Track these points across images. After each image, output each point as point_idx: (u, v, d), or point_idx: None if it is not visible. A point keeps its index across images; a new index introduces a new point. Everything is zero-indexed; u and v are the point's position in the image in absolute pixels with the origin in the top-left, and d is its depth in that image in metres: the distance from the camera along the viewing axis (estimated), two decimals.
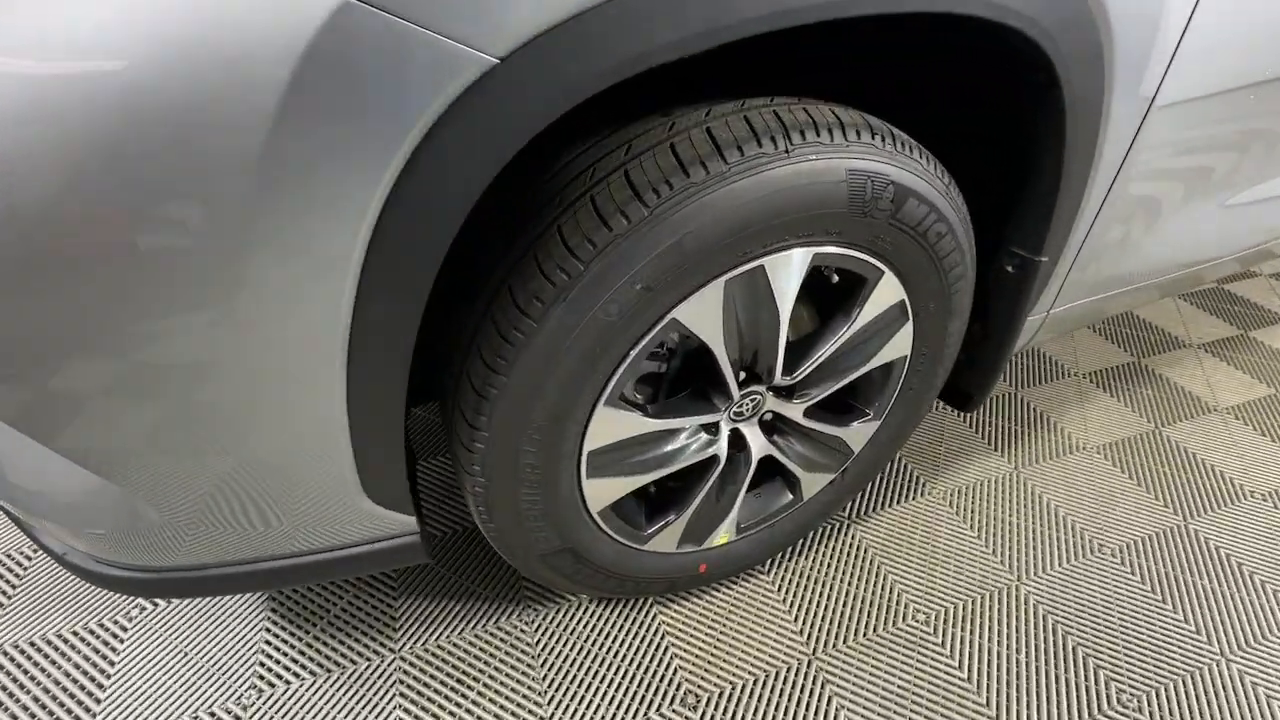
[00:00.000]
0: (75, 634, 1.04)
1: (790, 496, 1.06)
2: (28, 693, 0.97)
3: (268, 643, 1.04)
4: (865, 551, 1.20)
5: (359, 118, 0.44)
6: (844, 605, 1.10)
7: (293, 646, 1.04)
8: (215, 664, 1.01)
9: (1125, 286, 1.15)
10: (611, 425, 0.76)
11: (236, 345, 0.52)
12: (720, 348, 0.76)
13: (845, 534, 1.23)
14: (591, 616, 1.08)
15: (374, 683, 0.99)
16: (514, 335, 0.65)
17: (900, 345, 0.92)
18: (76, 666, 1.00)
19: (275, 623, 1.07)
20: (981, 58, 0.77)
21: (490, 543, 0.85)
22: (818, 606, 1.10)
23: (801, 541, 1.21)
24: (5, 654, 1.01)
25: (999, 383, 1.22)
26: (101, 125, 0.41)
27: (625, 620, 1.08)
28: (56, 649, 1.02)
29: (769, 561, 1.17)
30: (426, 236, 0.51)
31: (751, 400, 0.89)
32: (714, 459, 0.90)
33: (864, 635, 1.06)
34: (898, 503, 1.30)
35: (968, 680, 1.01)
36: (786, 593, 1.13)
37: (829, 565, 1.17)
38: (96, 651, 1.02)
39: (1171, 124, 0.85)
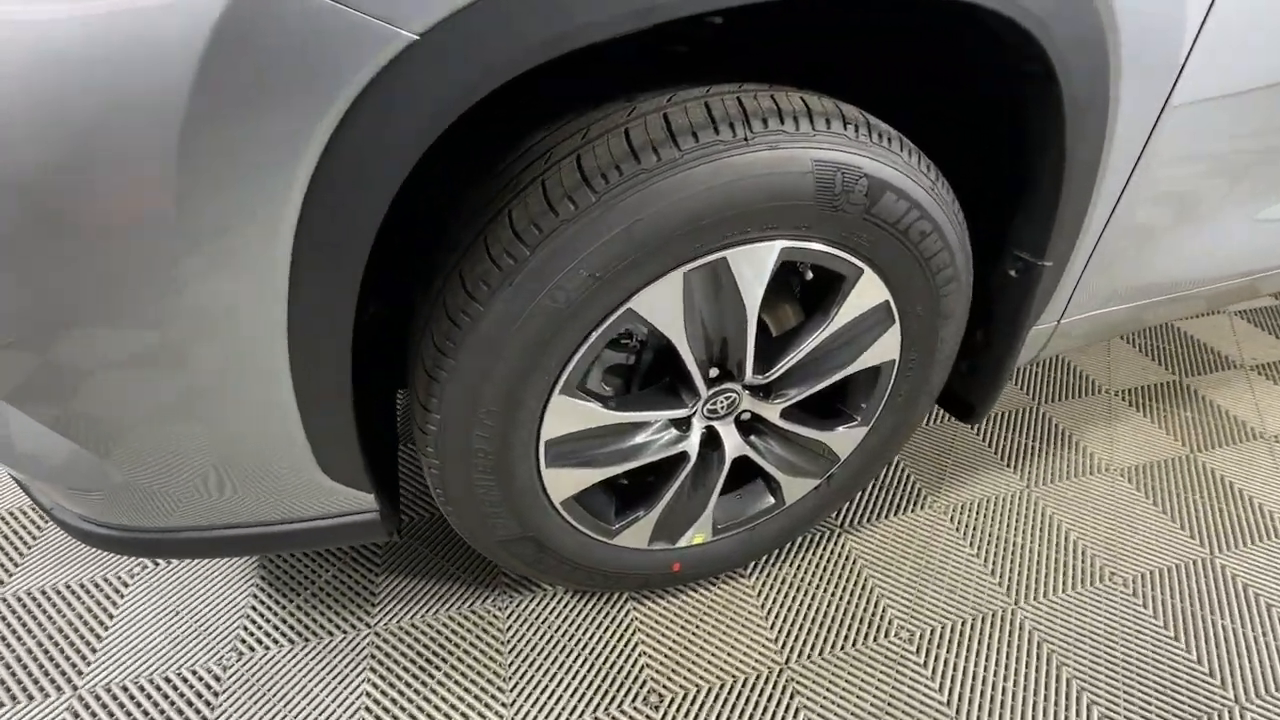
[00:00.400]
0: (81, 585, 1.11)
1: (771, 500, 1.03)
2: (33, 637, 1.03)
3: (253, 607, 1.08)
4: (853, 562, 1.16)
5: (274, 98, 0.44)
6: (824, 616, 1.07)
7: (275, 613, 1.07)
8: (204, 624, 1.05)
9: (1152, 298, 1.07)
10: (569, 415, 0.75)
11: (176, 321, 0.54)
12: (682, 342, 0.74)
13: (834, 542, 1.19)
14: (564, 607, 1.08)
15: (346, 655, 1.01)
16: (461, 319, 0.65)
17: (887, 348, 0.88)
18: (79, 616, 1.06)
19: (262, 588, 1.11)
20: (977, 47, 0.72)
21: (452, 526, 0.85)
22: (796, 615, 1.07)
23: (787, 547, 1.17)
24: (19, 599, 1.08)
25: (1002, 394, 1.15)
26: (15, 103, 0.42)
27: (598, 614, 1.07)
28: (64, 598, 1.09)
29: (751, 565, 1.14)
30: (355, 216, 0.51)
31: (726, 398, 0.87)
32: (683, 456, 0.88)
33: (842, 649, 1.02)
34: (894, 514, 1.25)
35: (946, 705, 0.96)
36: (765, 599, 1.10)
37: (813, 573, 1.13)
38: (99, 604, 1.08)
39: (1194, 123, 0.78)
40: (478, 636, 1.04)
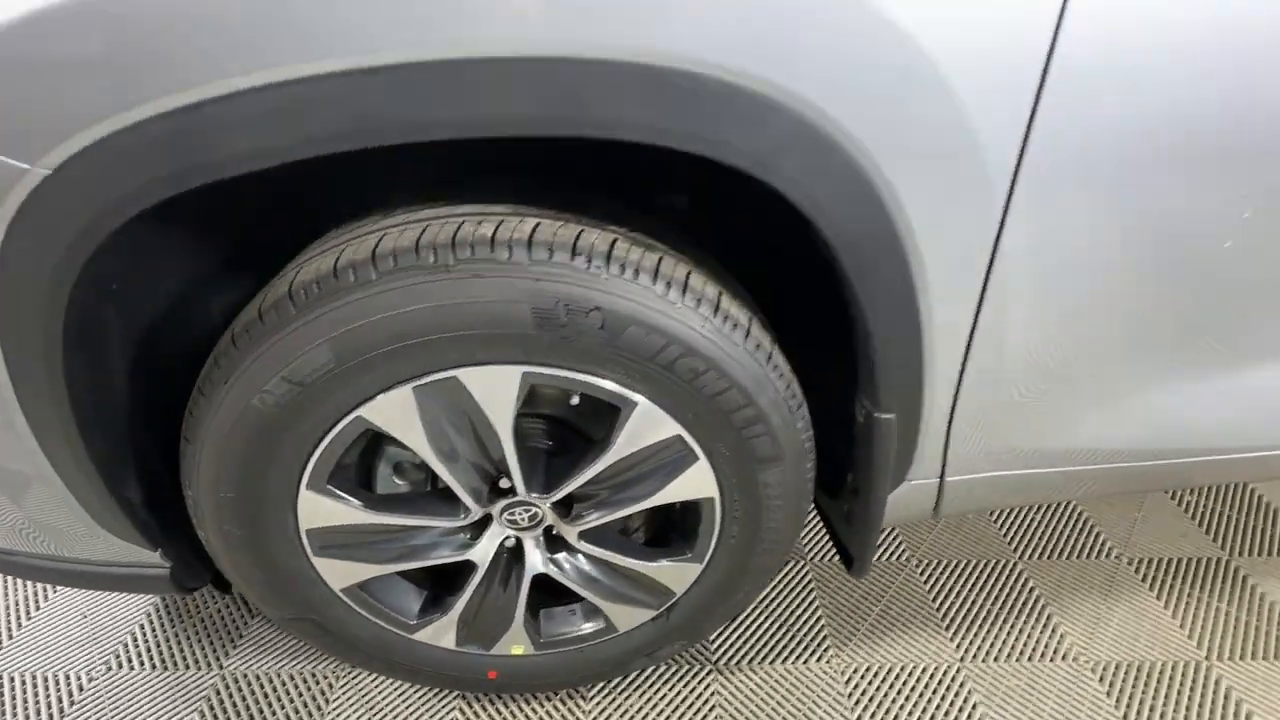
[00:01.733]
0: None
1: (602, 623, 0.95)
2: None
3: (141, 625, 1.18)
4: (711, 710, 1.02)
5: None
6: None
7: (156, 633, 1.16)
8: (99, 631, 1.16)
9: (1088, 464, 0.87)
10: (321, 511, 0.76)
11: None
12: (428, 453, 0.72)
13: (699, 680, 1.06)
14: (394, 690, 1.05)
15: (186, 692, 1.07)
16: (195, 409, 0.68)
17: (698, 485, 0.79)
18: (17, 602, 1.21)
19: (158, 607, 1.21)
20: None
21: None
22: None
23: (645, 674, 1.07)
24: None
25: (874, 548, 0.96)
26: None
27: (422, 704, 1.03)
28: (12, 581, 1.25)
29: (595, 688, 1.05)
30: (32, 319, 0.57)
31: (526, 510, 0.83)
32: (470, 564, 0.85)
33: None
34: (783, 660, 1.09)
35: None
36: None
37: (661, 713, 1.02)
38: (31, 599, 1.23)
39: (1065, 248, 0.64)
40: (305, 701, 1.05)
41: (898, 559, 1.29)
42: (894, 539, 1.33)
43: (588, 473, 0.77)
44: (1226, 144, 0.61)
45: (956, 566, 1.27)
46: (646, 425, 0.73)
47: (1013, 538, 1.33)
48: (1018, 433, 0.81)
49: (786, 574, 1.25)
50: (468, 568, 0.86)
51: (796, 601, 1.20)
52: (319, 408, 0.67)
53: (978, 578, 1.25)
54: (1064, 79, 0.55)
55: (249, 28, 0.46)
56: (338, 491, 0.75)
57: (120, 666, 1.11)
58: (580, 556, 0.88)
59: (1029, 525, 1.36)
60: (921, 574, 1.26)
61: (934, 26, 0.51)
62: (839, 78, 0.52)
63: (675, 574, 0.89)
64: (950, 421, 0.77)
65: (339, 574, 0.83)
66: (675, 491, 0.80)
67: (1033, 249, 0.63)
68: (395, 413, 0.69)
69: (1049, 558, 1.29)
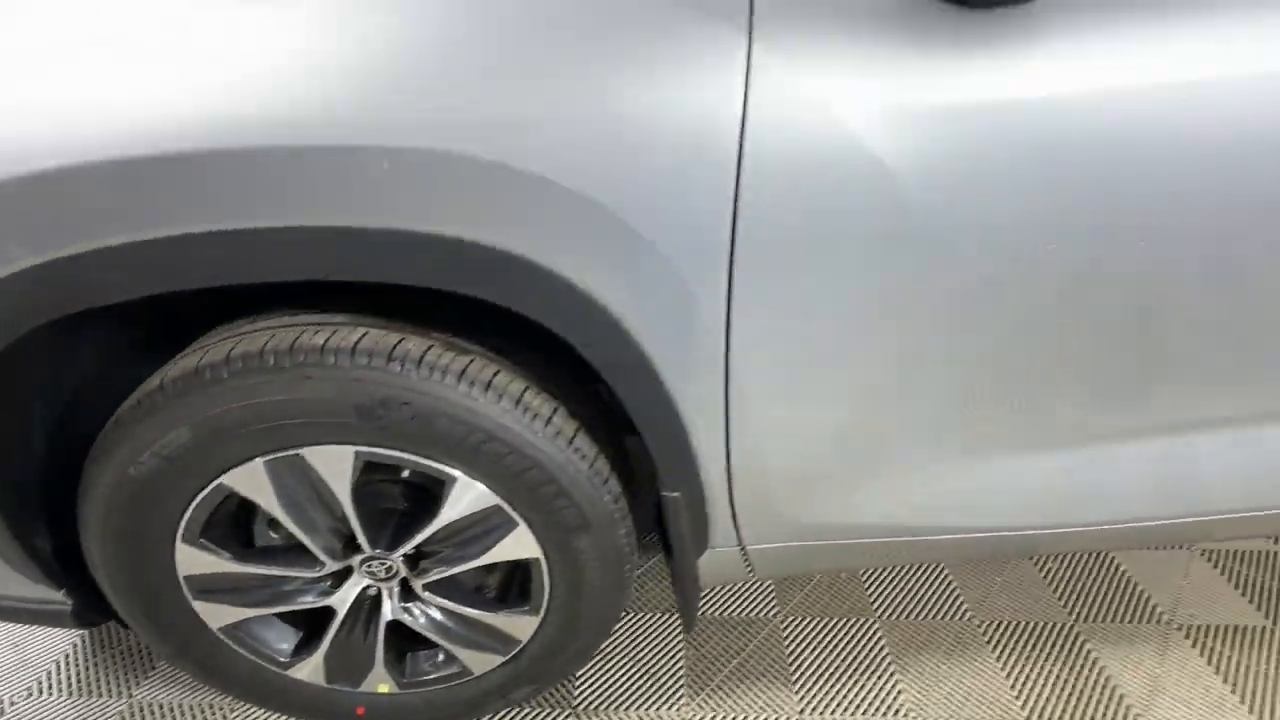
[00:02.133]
0: None
1: (457, 667, 1.07)
2: None
3: (66, 654, 1.30)
4: None
5: None
6: None
7: (80, 662, 1.28)
8: (25, 658, 1.28)
9: (886, 537, 0.99)
10: (195, 561, 0.89)
11: None
12: (282, 515, 0.86)
13: None
14: None
15: (96, 717, 1.18)
16: (88, 475, 0.83)
17: (522, 547, 0.92)
18: None
19: (84, 638, 1.33)
20: None
21: None
22: None
23: (508, 714, 1.17)
24: None
25: (695, 605, 1.07)
26: None
27: None
28: None
29: None
30: None
31: (382, 564, 0.96)
32: (330, 610, 0.97)
33: None
34: (640, 707, 1.20)
35: None
36: None
37: None
38: None
39: (784, 344, 0.77)
40: None
41: (766, 614, 1.39)
42: (767, 594, 1.44)
43: (423, 534, 0.90)
44: (945, 236, 0.73)
45: (818, 623, 1.37)
46: (469, 496, 0.87)
47: (877, 597, 1.44)
48: (802, 509, 0.93)
49: (657, 625, 1.36)
50: (329, 613, 0.99)
51: (663, 652, 1.31)
52: (185, 476, 0.81)
53: (835, 634, 1.35)
54: (754, 205, 0.69)
55: (90, 211, 0.64)
56: (209, 544, 0.89)
57: (41, 692, 1.22)
58: (431, 606, 1.01)
59: (894, 585, 1.46)
60: (785, 629, 1.36)
61: (608, 181, 0.67)
62: (539, 232, 0.69)
63: (517, 624, 1.01)
64: (731, 499, 0.90)
65: (216, 615, 0.96)
66: (503, 552, 0.93)
67: (760, 356, 0.77)
68: (251, 481, 0.83)
69: (906, 617, 1.39)
